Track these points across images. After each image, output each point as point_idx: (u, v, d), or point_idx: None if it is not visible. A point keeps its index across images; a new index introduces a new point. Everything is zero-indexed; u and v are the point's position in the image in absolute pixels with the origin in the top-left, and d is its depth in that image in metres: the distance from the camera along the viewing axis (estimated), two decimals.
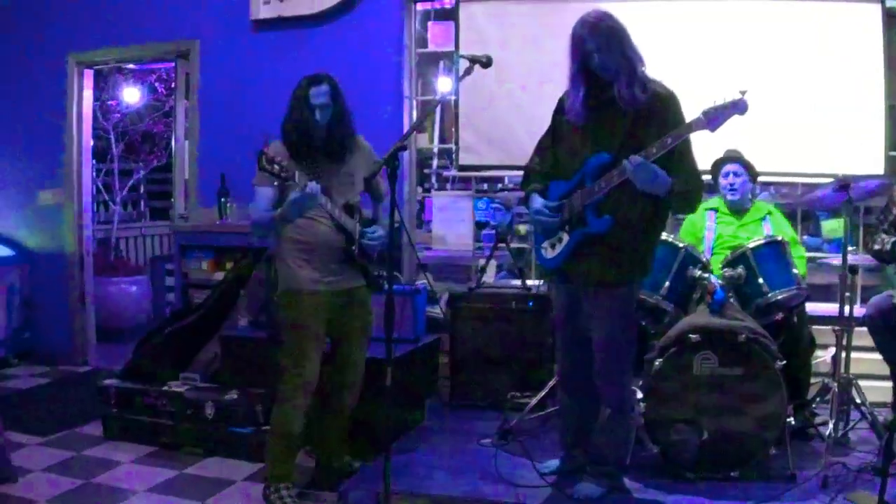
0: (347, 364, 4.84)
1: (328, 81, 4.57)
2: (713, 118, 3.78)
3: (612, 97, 4.05)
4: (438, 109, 7.89)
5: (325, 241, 4.58)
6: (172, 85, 9.63)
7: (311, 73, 4.61)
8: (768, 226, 5.46)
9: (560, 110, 4.34)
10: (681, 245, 5.06)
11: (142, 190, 11.91)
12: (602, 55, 4.00)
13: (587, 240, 4.19)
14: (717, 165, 5.58)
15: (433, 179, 7.89)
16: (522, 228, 7.37)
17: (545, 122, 4.45)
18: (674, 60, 5.84)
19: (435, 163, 7.97)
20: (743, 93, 3.74)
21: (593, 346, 4.31)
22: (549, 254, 4.39)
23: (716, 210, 5.60)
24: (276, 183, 4.49)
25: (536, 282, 6.30)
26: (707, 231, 5.54)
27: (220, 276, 6.76)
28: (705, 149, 4.70)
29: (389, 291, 3.90)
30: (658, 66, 4.25)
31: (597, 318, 4.26)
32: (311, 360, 4.60)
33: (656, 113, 4.03)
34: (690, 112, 3.90)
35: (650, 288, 4.97)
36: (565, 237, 4.29)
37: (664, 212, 4.23)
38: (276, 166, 4.22)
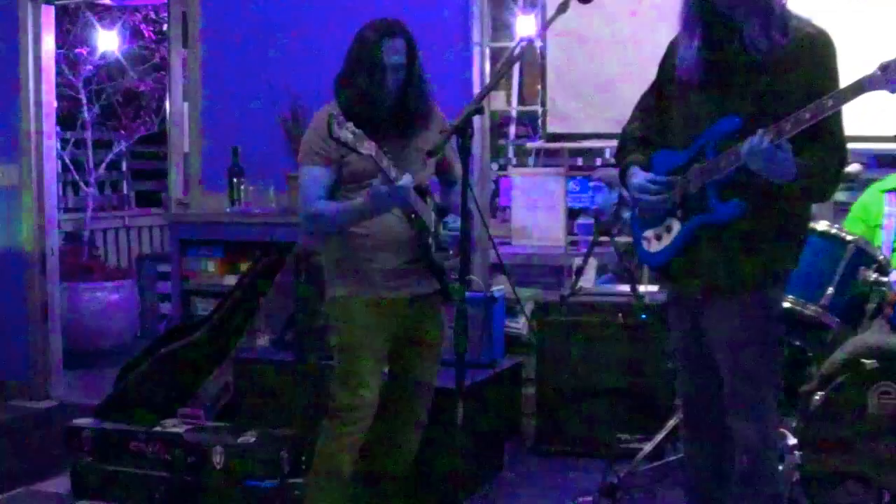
0: (413, 392, 4.91)
1: (405, 35, 4.55)
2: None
3: (741, 44, 3.97)
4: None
5: (394, 234, 4.61)
6: (164, 27, 9.72)
7: (381, 21, 4.58)
8: None
9: (669, 60, 4.27)
10: (849, 239, 4.98)
11: (124, 167, 12.07)
12: None
13: (708, 229, 4.10)
14: None
15: (510, 153, 7.93)
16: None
17: None
18: None
19: (513, 130, 8.02)
20: None
21: (721, 372, 4.24)
22: (653, 247, 4.31)
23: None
24: (332, 160, 4.56)
25: (651, 287, 6.31)
26: (886, 219, 5.47)
27: (232, 280, 6.85)
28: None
29: (461, 300, 3.93)
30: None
31: (723, 333, 4.17)
32: (370, 386, 4.68)
33: (804, 61, 3.93)
34: (853, 68, 3.80)
35: (807, 296, 4.92)
36: (676, 225, 4.19)
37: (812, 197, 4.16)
38: (351, 134, 4.18)
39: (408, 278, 4.69)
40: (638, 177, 4.22)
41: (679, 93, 4.19)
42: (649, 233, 4.32)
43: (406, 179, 4.33)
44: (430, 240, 4.66)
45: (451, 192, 4.96)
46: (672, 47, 4.24)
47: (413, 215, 4.59)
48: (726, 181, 3.98)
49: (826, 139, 3.87)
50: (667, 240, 4.23)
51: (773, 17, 3.91)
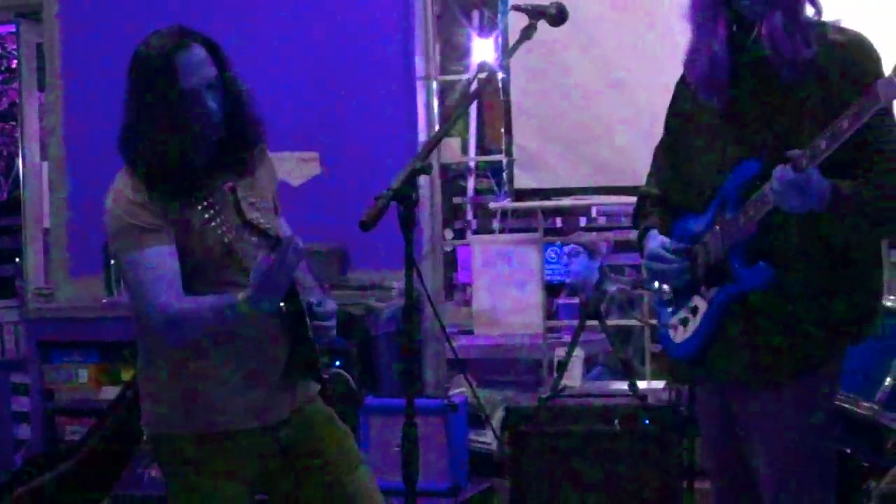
0: None
1: (200, 41, 4.01)
2: None
3: (760, 54, 3.88)
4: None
5: (261, 328, 4.04)
6: (13, 64, 9.73)
7: (163, 30, 4.04)
8: None
9: (680, 101, 4.25)
10: None
11: None
12: None
13: (737, 304, 4.02)
14: None
15: (469, 214, 7.94)
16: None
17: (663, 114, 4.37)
18: None
19: (471, 185, 8.03)
20: None
21: (759, 486, 4.18)
22: (679, 335, 4.25)
23: None
24: (169, 231, 3.92)
25: (655, 382, 6.31)
26: None
27: (111, 393, 6.82)
28: None
29: (409, 409, 3.88)
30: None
31: (759, 436, 4.12)
32: None
33: (835, 76, 3.84)
34: None
35: (859, 390, 4.96)
36: (702, 305, 4.13)
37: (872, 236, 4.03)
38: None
39: (284, 390, 4.16)
40: (653, 242, 4.18)
41: (693, 125, 4.14)
42: (674, 319, 4.26)
43: (297, 241, 3.73)
44: (307, 330, 4.12)
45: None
46: (682, 85, 4.20)
47: (292, 295, 4.01)
48: (752, 242, 3.90)
49: (885, 159, 3.77)
50: (693, 324, 4.16)
51: (797, 17, 3.83)
